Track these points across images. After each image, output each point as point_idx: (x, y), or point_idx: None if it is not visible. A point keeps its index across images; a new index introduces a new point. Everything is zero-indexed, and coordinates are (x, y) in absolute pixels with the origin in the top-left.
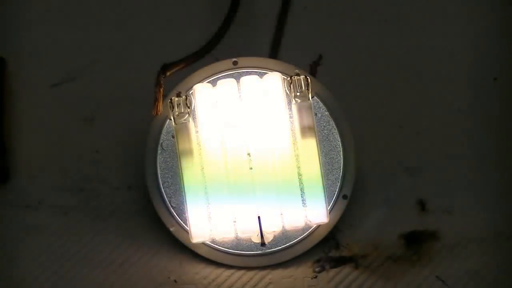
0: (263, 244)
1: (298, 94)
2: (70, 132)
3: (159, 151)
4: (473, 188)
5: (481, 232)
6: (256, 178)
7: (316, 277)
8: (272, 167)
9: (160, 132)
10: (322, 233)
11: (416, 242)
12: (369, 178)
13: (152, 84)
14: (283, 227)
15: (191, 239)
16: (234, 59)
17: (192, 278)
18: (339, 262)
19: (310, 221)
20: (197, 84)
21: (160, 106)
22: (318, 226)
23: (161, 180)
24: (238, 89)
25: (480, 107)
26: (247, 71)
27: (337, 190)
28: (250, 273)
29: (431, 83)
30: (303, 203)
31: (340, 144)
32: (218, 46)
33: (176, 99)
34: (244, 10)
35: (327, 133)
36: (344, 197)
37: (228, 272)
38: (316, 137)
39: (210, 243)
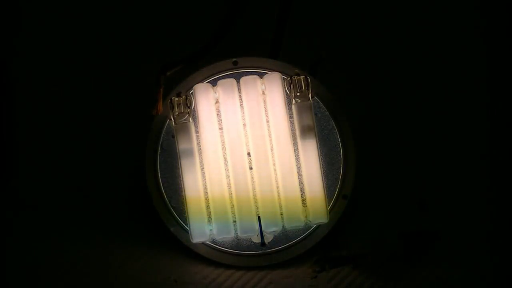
0: (263, 244)
1: (298, 94)
2: (70, 132)
3: (159, 151)
4: (473, 188)
5: (481, 232)
6: (256, 178)
7: (316, 277)
8: (272, 167)
9: (160, 132)
10: (322, 233)
11: (416, 242)
12: (369, 178)
13: (152, 84)
14: (283, 227)
15: (191, 239)
16: (234, 59)
17: (192, 278)
18: (339, 262)
19: (310, 221)
20: (197, 84)
21: (160, 106)
22: (318, 226)
23: (161, 180)
24: (238, 89)
25: (481, 107)
26: (247, 71)
27: (337, 190)
28: (250, 273)
29: (431, 83)
30: (303, 203)
31: (340, 144)
32: (218, 46)
33: (176, 99)
34: (244, 10)
35: (327, 133)
36: (344, 197)
37: (228, 272)
38: (316, 137)
39: (210, 243)
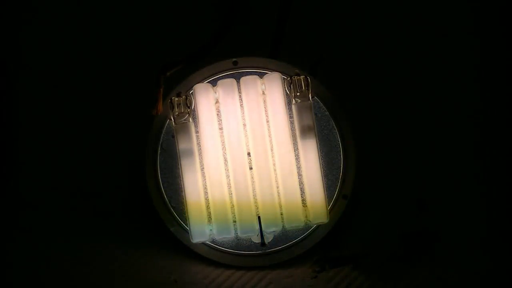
0: (263, 244)
1: (298, 94)
2: (70, 132)
3: (159, 151)
4: (473, 188)
5: (481, 232)
6: (256, 178)
7: (316, 277)
8: (272, 167)
9: (160, 132)
10: (322, 233)
11: (416, 242)
12: (369, 178)
13: (152, 84)
14: (283, 227)
15: (191, 239)
16: (234, 59)
17: (192, 278)
18: (339, 262)
19: (310, 221)
20: (197, 84)
21: (160, 106)
22: (318, 226)
23: (161, 180)
24: (238, 89)
25: (481, 107)
26: (247, 71)
27: (337, 190)
28: (250, 273)
29: (431, 83)
30: (303, 203)
31: (340, 144)
32: (218, 46)
33: (176, 99)
34: (244, 10)
35: (327, 133)
36: (344, 197)
37: (228, 272)
38: (316, 137)
39: (210, 243)
